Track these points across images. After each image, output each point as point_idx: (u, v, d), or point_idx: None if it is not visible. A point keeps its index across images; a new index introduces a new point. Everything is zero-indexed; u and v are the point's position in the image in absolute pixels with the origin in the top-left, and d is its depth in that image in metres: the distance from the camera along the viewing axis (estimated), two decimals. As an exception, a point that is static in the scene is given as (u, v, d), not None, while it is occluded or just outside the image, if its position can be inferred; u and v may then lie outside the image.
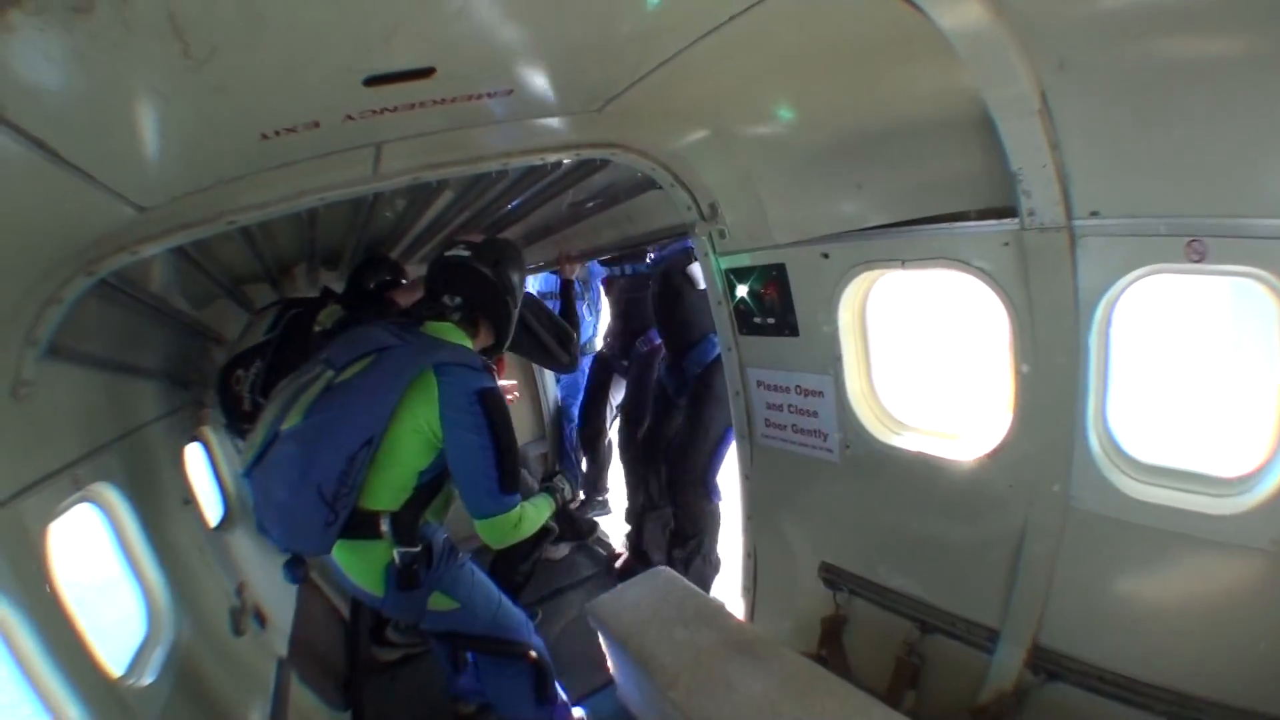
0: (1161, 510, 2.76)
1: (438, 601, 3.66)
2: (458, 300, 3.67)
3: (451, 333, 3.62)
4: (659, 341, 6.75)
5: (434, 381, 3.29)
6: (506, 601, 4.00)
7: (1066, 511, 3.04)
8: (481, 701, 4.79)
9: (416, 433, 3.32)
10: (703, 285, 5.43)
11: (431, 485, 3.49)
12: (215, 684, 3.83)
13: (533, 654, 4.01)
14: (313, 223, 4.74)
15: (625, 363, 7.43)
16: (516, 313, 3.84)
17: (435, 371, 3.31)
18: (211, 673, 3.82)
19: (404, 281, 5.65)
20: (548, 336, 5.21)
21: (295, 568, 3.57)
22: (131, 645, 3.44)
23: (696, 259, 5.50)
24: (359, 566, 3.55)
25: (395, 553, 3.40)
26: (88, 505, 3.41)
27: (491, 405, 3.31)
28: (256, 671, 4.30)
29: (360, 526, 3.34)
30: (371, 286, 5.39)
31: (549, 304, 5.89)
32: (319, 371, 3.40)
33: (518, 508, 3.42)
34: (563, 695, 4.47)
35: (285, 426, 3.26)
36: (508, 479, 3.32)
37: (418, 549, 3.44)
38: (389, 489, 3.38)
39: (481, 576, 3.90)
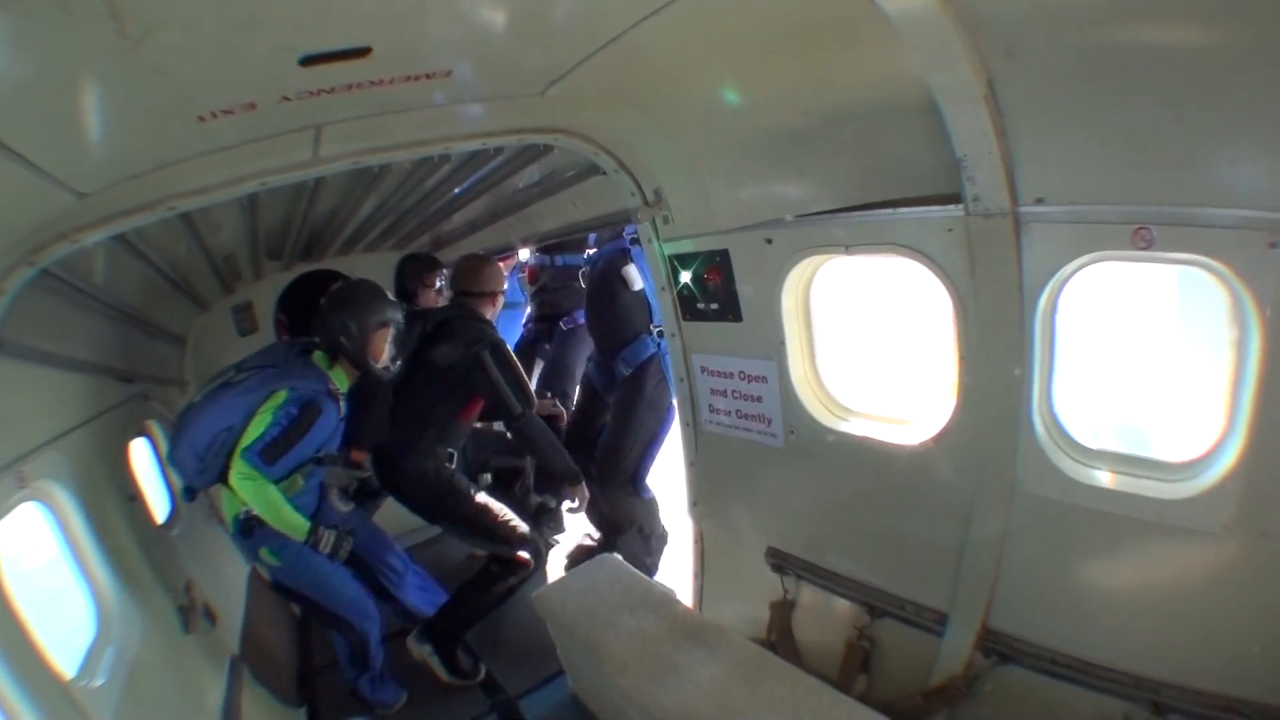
0: (1109, 494, 2.80)
1: (266, 555, 4.49)
2: (316, 339, 4.65)
3: (323, 361, 4.62)
4: (582, 321, 6.88)
5: (284, 394, 4.30)
6: (339, 580, 4.76)
7: (1012, 495, 3.07)
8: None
9: (264, 426, 4.25)
10: (637, 286, 5.49)
11: None
12: (168, 683, 3.75)
13: (352, 631, 4.81)
14: (254, 210, 4.66)
15: (548, 346, 7.55)
16: (362, 346, 4.60)
17: (288, 389, 4.32)
18: (163, 671, 3.73)
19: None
20: (506, 390, 5.03)
21: (188, 493, 4.64)
22: (82, 645, 3.34)
23: (632, 260, 5.57)
24: (225, 507, 4.51)
25: (243, 507, 4.34)
26: (33, 504, 3.32)
27: (303, 411, 4.33)
28: (208, 669, 4.20)
29: (227, 479, 4.29)
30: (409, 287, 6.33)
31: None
32: (228, 370, 4.47)
33: (268, 481, 4.21)
34: (378, 666, 5.03)
35: (195, 400, 4.35)
36: (270, 452, 4.20)
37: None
38: None
39: (311, 553, 4.50)
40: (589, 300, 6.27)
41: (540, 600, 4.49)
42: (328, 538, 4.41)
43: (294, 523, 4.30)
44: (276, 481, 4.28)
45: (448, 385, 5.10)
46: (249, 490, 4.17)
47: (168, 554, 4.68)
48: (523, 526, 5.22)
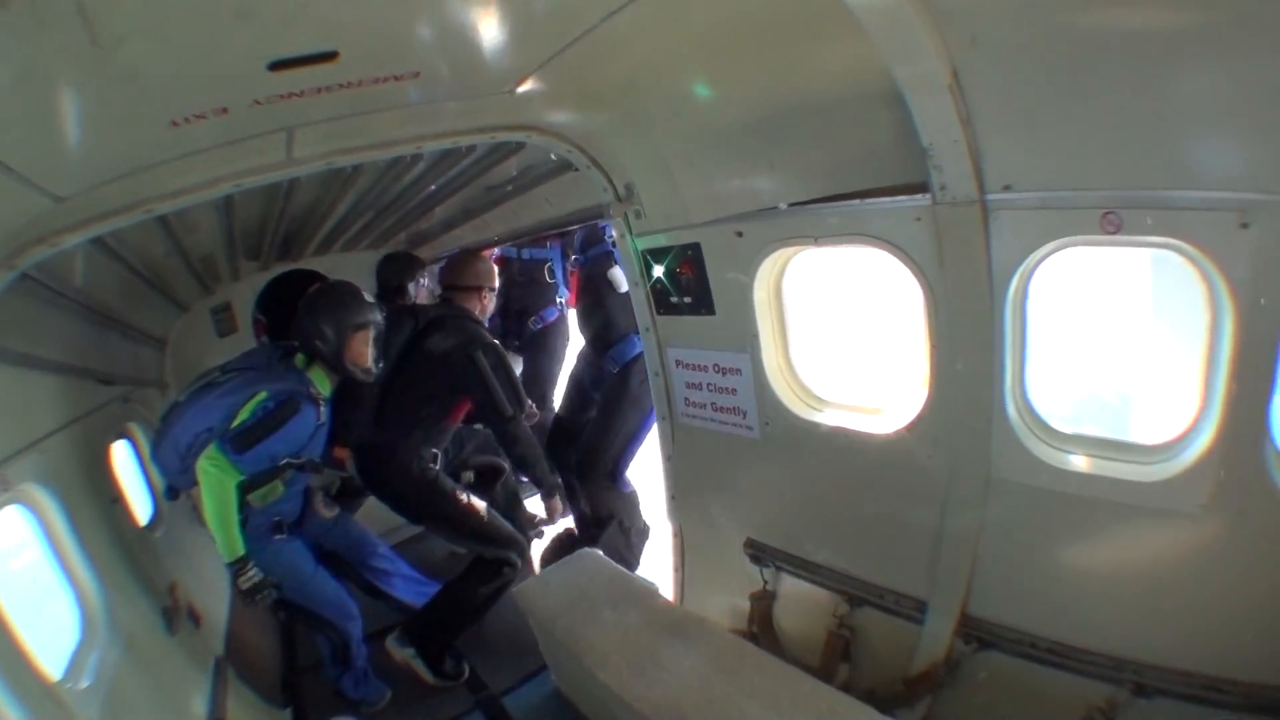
0: (1085, 478, 2.82)
1: None
2: (295, 343, 4.58)
3: (301, 362, 4.54)
4: (552, 320, 7.24)
5: (264, 395, 4.26)
6: (319, 581, 4.77)
7: (988, 481, 3.09)
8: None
9: (241, 421, 4.22)
10: (623, 289, 5.44)
11: (257, 476, 4.34)
12: (153, 684, 3.74)
13: (334, 631, 4.82)
14: (230, 211, 4.64)
15: (517, 342, 7.59)
16: (339, 350, 4.51)
17: (268, 390, 4.28)
18: (149, 673, 3.72)
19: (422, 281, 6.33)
20: (499, 392, 4.97)
21: (170, 492, 4.66)
22: (67, 647, 3.33)
23: (617, 263, 5.56)
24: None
25: None
26: (15, 507, 3.30)
27: (280, 406, 4.27)
28: (193, 671, 4.19)
29: None
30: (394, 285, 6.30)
31: None
32: (213, 371, 4.44)
33: (233, 475, 4.17)
34: (361, 665, 5.01)
35: (180, 399, 4.34)
36: (240, 440, 4.16)
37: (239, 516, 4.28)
38: None
39: (293, 556, 4.63)
40: (579, 300, 6.37)
41: (522, 595, 4.49)
42: (251, 575, 4.21)
43: (232, 537, 4.18)
44: (251, 486, 4.26)
45: (437, 385, 5.06)
46: (209, 479, 4.11)
47: (151, 556, 4.65)
48: (509, 527, 5.19)
